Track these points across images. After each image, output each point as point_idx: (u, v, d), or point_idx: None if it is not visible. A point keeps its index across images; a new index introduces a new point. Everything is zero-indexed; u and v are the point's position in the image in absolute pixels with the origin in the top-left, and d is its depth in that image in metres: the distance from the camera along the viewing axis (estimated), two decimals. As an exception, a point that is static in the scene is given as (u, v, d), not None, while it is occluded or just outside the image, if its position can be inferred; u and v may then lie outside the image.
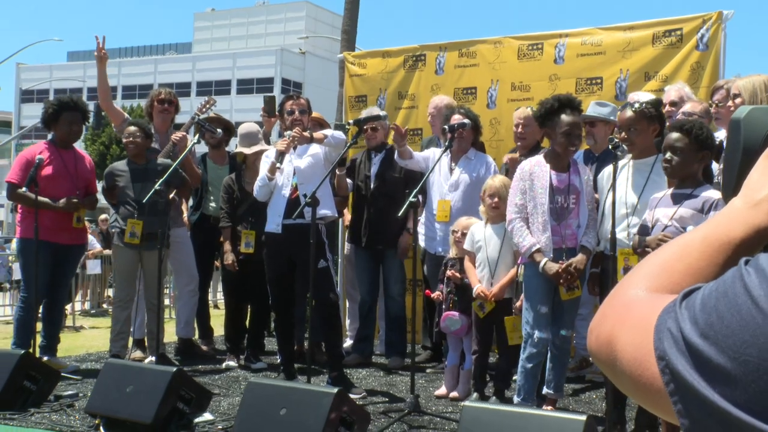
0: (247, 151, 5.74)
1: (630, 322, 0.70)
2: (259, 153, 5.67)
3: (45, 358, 5.43)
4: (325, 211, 4.89)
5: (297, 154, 4.99)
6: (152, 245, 5.34)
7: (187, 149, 5.58)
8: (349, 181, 5.92)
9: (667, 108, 4.63)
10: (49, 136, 5.74)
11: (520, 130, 5.34)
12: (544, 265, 4.06)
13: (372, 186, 5.78)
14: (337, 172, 5.68)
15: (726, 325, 0.61)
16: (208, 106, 6.31)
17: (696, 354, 0.62)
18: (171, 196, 5.45)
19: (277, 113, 6.08)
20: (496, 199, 4.54)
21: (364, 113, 5.43)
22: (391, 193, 5.55)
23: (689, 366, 0.62)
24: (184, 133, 5.79)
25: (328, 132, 5.09)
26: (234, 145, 6.16)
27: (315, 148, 4.98)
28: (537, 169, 4.18)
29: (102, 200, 6.00)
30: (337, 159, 4.88)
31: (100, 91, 6.04)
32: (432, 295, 4.95)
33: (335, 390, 3.48)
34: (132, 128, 5.57)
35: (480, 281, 4.56)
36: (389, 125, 5.56)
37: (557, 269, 4.03)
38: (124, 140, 5.55)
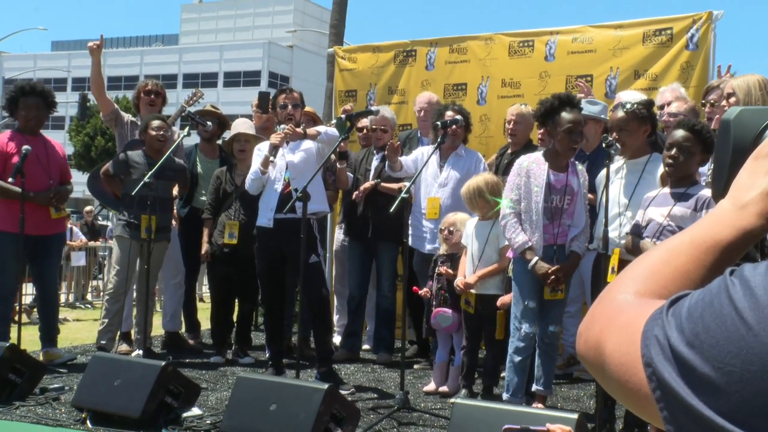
0: (227, 138, 5.75)
1: (618, 327, 0.70)
2: (242, 138, 5.64)
3: (44, 349, 5.46)
4: (317, 206, 4.87)
5: (290, 149, 4.96)
6: (159, 238, 5.37)
7: (176, 143, 5.54)
8: (350, 175, 5.91)
9: (665, 109, 4.65)
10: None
11: (511, 126, 5.36)
12: (534, 264, 4.07)
13: (371, 179, 5.77)
14: (338, 165, 5.67)
15: (711, 335, 0.61)
16: (195, 98, 6.26)
17: (682, 362, 0.62)
18: (175, 194, 5.47)
19: (270, 109, 6.07)
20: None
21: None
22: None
23: (675, 374, 0.62)
24: None
25: (322, 128, 5.07)
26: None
27: (308, 143, 4.96)
28: (534, 166, 4.17)
29: (87, 193, 5.94)
30: (329, 155, 4.86)
31: (92, 80, 6.00)
32: (420, 292, 4.95)
33: (326, 386, 3.46)
34: (157, 122, 5.54)
35: (464, 276, 4.58)
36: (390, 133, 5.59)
37: (546, 270, 4.04)
38: (152, 133, 5.49)
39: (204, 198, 6.16)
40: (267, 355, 5.36)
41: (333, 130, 4.99)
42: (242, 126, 5.76)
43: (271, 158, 4.86)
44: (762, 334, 0.59)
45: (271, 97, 5.92)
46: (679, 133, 3.54)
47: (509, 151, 5.44)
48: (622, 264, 3.67)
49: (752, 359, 0.58)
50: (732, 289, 0.63)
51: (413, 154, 5.45)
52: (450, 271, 4.70)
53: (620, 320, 0.71)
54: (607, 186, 3.86)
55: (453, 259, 4.75)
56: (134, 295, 5.80)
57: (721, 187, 0.81)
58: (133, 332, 5.90)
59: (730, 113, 0.84)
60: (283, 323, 5.21)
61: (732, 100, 3.83)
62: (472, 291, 4.51)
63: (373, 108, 5.25)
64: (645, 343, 0.65)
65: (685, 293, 0.67)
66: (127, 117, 6.09)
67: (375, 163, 5.83)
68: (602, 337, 0.71)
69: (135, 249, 5.46)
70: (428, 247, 5.34)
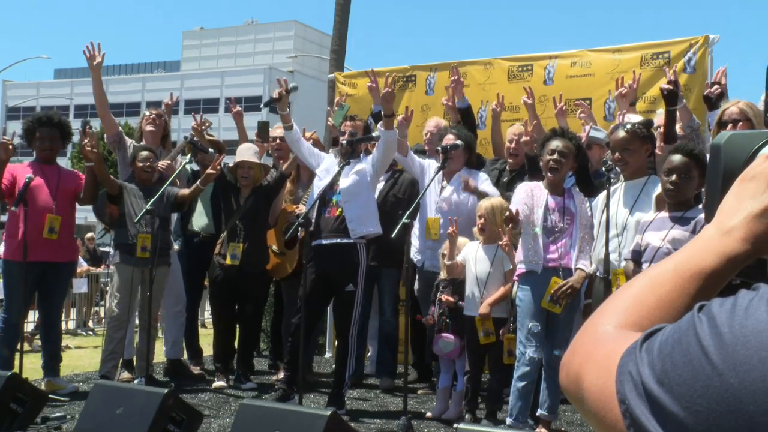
0: (237, 159, 5.73)
1: (595, 360, 0.70)
2: (245, 165, 5.65)
3: (46, 379, 5.43)
4: (369, 228, 4.93)
5: (344, 173, 5.00)
6: (159, 261, 5.36)
7: (178, 170, 5.56)
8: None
9: (660, 131, 4.68)
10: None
11: (513, 146, 5.38)
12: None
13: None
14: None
15: (678, 373, 0.61)
16: (203, 127, 6.27)
17: (652, 400, 0.62)
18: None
19: (270, 139, 6.13)
20: (482, 221, 4.60)
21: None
22: (393, 213, 5.56)
23: (647, 411, 0.62)
24: (169, 162, 5.79)
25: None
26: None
27: (361, 166, 5.02)
28: (537, 190, 4.29)
29: (90, 218, 5.95)
30: (385, 168, 5.05)
31: (96, 100, 5.98)
32: (423, 320, 4.94)
33: (329, 412, 3.45)
34: (145, 153, 5.59)
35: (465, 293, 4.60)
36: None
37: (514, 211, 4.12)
38: (138, 164, 5.54)
39: (203, 222, 6.21)
40: (279, 375, 5.33)
41: (387, 134, 4.97)
42: (246, 153, 5.76)
43: (281, 111, 5.19)
44: (726, 374, 0.58)
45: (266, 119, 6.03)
46: (677, 158, 3.57)
47: (508, 168, 5.46)
48: None
49: (717, 399, 0.58)
50: (699, 327, 0.62)
51: (423, 160, 5.48)
52: (450, 298, 4.69)
53: (598, 354, 0.70)
54: (607, 209, 3.88)
55: (454, 284, 4.75)
56: (136, 322, 5.78)
57: (713, 212, 0.79)
58: (134, 360, 5.88)
59: (720, 138, 0.84)
60: (306, 346, 5.15)
61: (740, 125, 3.85)
62: (488, 319, 4.49)
63: (374, 134, 5.28)
64: (620, 380, 0.65)
65: (659, 327, 0.66)
66: (130, 141, 6.13)
67: (380, 185, 5.83)
68: (581, 371, 0.71)
69: (136, 275, 5.46)
70: (429, 264, 5.33)
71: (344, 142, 5.09)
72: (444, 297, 4.72)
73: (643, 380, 0.63)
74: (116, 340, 5.50)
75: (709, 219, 0.80)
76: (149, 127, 6.05)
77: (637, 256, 3.63)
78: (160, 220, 5.38)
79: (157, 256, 5.30)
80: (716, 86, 4.50)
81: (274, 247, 5.94)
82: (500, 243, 4.44)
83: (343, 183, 4.96)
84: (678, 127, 4.66)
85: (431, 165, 5.39)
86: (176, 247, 6.22)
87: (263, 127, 6.21)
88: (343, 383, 4.92)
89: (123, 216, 5.50)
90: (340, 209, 4.93)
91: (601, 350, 0.70)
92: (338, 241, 4.88)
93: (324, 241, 4.92)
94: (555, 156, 4.19)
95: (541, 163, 4.32)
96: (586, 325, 0.75)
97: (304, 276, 4.88)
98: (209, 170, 5.39)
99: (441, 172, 5.24)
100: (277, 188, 5.73)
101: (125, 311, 5.50)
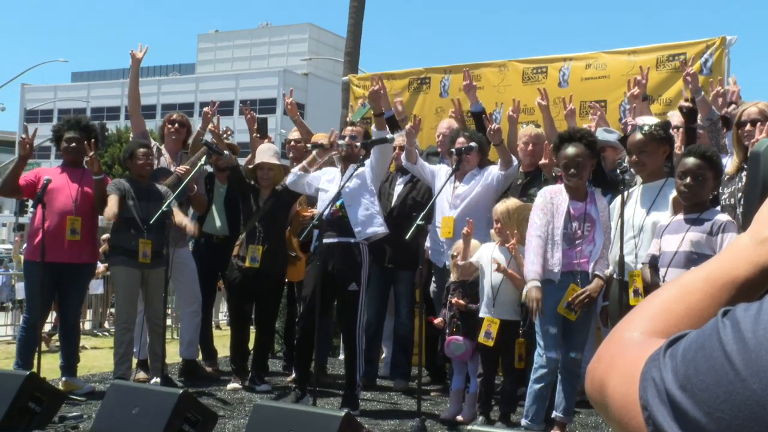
0: (259, 159, 5.73)
1: (619, 367, 0.69)
2: (265, 167, 5.67)
3: (64, 378, 5.49)
4: (375, 228, 4.99)
5: (345, 176, 5.06)
6: (157, 263, 5.35)
7: (192, 173, 5.59)
8: None
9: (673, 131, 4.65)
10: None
11: (530, 148, 5.34)
12: (529, 287, 4.09)
13: (392, 205, 5.78)
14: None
15: (701, 379, 0.60)
16: (225, 135, 6.31)
17: (675, 406, 0.61)
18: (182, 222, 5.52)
19: (268, 135, 6.19)
20: (498, 225, 4.59)
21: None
22: (410, 215, 5.56)
23: (670, 417, 0.61)
24: (188, 167, 5.84)
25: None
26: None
27: (361, 169, 5.08)
28: (557, 196, 4.26)
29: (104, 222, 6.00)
30: (383, 169, 5.14)
31: (129, 96, 6.23)
32: (435, 321, 4.94)
33: (342, 413, 3.46)
34: (143, 149, 5.63)
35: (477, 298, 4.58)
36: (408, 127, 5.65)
37: (534, 299, 4.05)
38: (138, 161, 5.58)
39: (219, 223, 6.23)
40: (292, 376, 5.35)
41: (384, 147, 5.06)
42: (265, 154, 5.78)
43: (317, 158, 5.17)
44: (749, 380, 0.57)
45: (278, 122, 6.09)
46: (691, 160, 3.57)
47: (521, 170, 5.43)
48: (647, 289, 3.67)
49: (740, 406, 0.57)
50: (723, 332, 0.61)
51: (433, 166, 5.48)
52: (461, 301, 4.69)
53: (623, 360, 0.69)
54: (622, 212, 3.87)
55: (464, 286, 4.74)
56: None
57: (750, 220, 0.77)
58: (150, 360, 5.92)
59: (759, 145, 0.82)
60: (313, 346, 5.17)
61: (759, 125, 3.82)
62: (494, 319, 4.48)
63: (387, 135, 5.29)
64: (643, 386, 0.64)
65: (683, 333, 0.65)
66: (154, 143, 6.21)
67: (398, 188, 5.83)
68: (605, 378, 0.70)
69: (135, 276, 5.49)
70: (446, 262, 5.33)
71: (343, 144, 5.15)
72: (454, 300, 4.72)
73: (666, 386, 0.62)
74: (125, 343, 5.54)
75: (746, 227, 0.79)
76: (173, 136, 6.14)
77: (654, 261, 3.63)
78: (153, 224, 5.36)
79: (155, 258, 5.33)
80: (733, 105, 4.45)
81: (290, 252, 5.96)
82: (507, 245, 4.44)
83: (346, 186, 5.00)
84: (698, 118, 4.63)
85: (441, 169, 5.40)
86: (189, 247, 6.27)
87: (261, 124, 6.27)
88: (355, 384, 4.93)
89: (119, 223, 5.48)
90: (342, 209, 4.99)
91: (626, 356, 0.69)
92: (340, 240, 4.93)
93: (326, 240, 4.98)
94: (572, 170, 4.16)
95: (557, 169, 4.30)
96: (613, 332, 0.74)
97: (306, 274, 4.93)
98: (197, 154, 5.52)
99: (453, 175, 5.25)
100: (298, 192, 5.75)
101: (129, 314, 5.52)
